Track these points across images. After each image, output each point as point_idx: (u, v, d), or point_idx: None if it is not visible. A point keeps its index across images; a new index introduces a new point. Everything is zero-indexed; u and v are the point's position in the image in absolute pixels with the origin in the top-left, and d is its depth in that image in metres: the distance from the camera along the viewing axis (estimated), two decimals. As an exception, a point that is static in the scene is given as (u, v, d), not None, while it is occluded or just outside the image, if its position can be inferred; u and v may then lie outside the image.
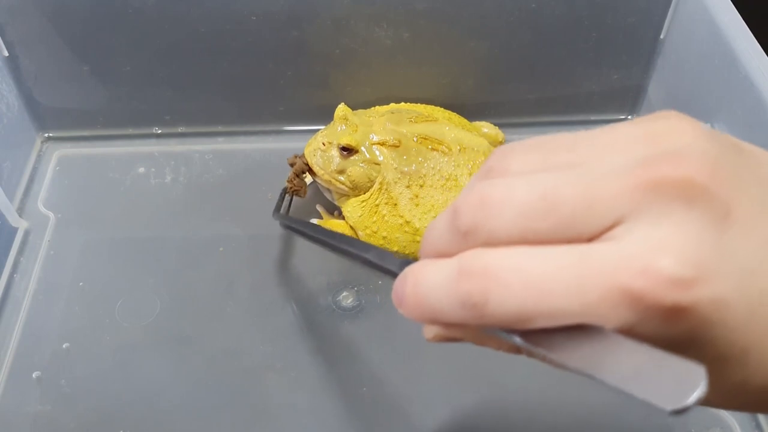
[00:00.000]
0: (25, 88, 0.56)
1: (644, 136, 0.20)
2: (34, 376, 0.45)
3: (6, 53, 0.53)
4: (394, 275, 0.25)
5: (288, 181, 0.50)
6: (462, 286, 0.20)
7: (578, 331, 0.19)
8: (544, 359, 0.23)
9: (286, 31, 0.53)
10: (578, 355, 0.18)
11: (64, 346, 0.47)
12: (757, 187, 0.19)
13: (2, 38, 0.53)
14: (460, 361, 0.46)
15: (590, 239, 0.19)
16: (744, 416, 0.44)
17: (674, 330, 0.18)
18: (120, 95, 0.57)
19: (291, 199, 0.51)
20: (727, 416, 0.44)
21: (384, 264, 0.28)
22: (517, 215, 0.19)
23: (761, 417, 0.44)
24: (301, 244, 0.52)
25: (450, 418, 0.44)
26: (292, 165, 0.51)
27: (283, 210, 0.50)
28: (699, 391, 0.16)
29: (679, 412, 0.16)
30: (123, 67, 0.55)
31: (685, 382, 0.17)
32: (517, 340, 0.20)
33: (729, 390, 0.20)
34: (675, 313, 0.18)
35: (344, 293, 0.49)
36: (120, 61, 0.55)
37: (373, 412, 0.44)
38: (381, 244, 0.49)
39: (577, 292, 0.18)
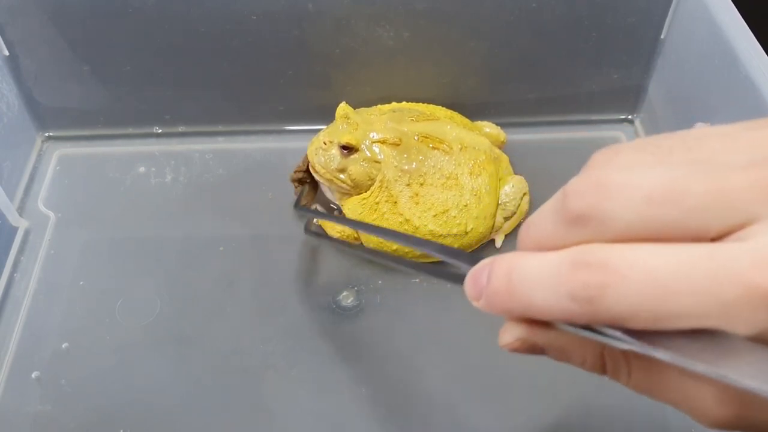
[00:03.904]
0: (26, 87, 0.56)
1: (764, 138, 0.19)
2: (33, 376, 0.45)
3: (6, 53, 0.53)
4: (450, 276, 0.24)
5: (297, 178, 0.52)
6: (577, 277, 0.18)
7: (697, 333, 0.17)
8: (641, 381, 0.21)
9: (286, 31, 0.53)
10: (700, 357, 0.17)
11: (64, 346, 0.46)
12: None
13: (3, 38, 0.53)
14: (460, 361, 0.46)
15: (716, 238, 0.18)
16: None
17: None
18: (120, 95, 0.57)
19: (306, 190, 0.51)
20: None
21: (450, 258, 0.26)
22: (641, 201, 0.18)
23: None
24: (301, 244, 0.52)
25: (450, 418, 0.44)
26: (297, 180, 0.52)
27: (309, 222, 0.50)
28: None
29: None
30: (123, 67, 0.55)
31: None
32: (627, 340, 0.18)
33: None
34: None
35: (344, 293, 0.49)
36: (120, 61, 0.55)
37: (372, 412, 0.44)
38: (380, 242, 0.49)
39: (711, 291, 0.17)
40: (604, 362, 0.22)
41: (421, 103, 0.56)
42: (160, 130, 0.59)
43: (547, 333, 0.21)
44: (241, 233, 0.53)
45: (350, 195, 0.50)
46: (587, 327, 0.19)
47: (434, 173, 0.48)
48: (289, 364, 0.46)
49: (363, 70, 0.56)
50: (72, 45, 0.53)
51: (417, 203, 0.48)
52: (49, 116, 0.58)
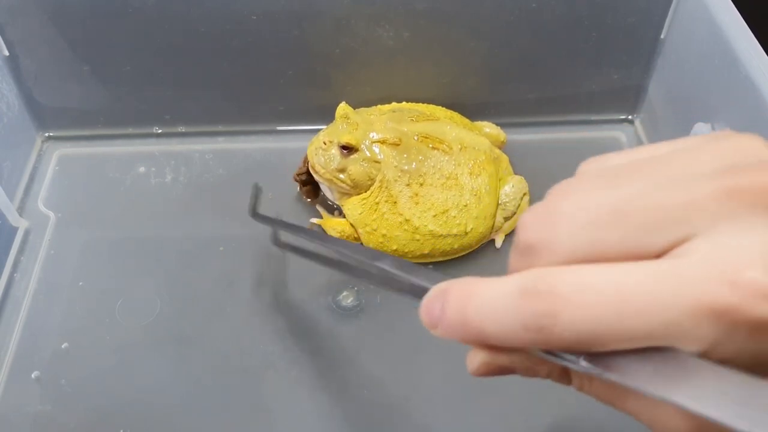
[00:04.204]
0: (26, 87, 0.56)
1: (713, 151, 0.19)
2: (33, 376, 0.45)
3: (6, 53, 0.53)
4: (408, 291, 0.24)
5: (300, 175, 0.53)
6: (527, 306, 0.18)
7: (650, 353, 0.18)
8: (602, 393, 0.21)
9: (286, 31, 0.53)
10: (654, 379, 0.17)
11: (64, 346, 0.46)
12: None
13: (3, 38, 0.53)
14: (460, 361, 0.46)
15: (661, 254, 0.18)
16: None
17: (761, 347, 0.17)
18: (120, 95, 0.57)
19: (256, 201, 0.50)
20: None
21: (404, 273, 0.26)
22: (587, 224, 0.19)
23: None
24: (302, 245, 0.52)
25: (450, 418, 0.44)
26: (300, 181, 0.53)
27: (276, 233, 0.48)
28: None
29: None
30: (123, 67, 0.55)
31: None
32: (584, 364, 0.18)
33: None
34: (764, 327, 0.16)
35: (344, 293, 0.49)
36: (120, 61, 0.55)
37: (372, 413, 0.44)
38: (380, 242, 0.49)
39: (658, 310, 0.17)
40: (569, 375, 0.22)
41: (421, 103, 0.56)
42: (160, 130, 0.59)
43: (510, 355, 0.21)
44: (241, 233, 0.53)
45: (350, 195, 0.50)
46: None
47: (434, 173, 0.48)
48: (289, 364, 0.46)
49: (363, 70, 0.56)
50: (72, 45, 0.53)
51: (417, 203, 0.48)
52: (49, 116, 0.58)
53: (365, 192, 0.49)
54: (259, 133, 0.59)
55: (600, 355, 0.18)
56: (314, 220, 0.53)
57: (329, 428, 0.43)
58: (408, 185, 0.48)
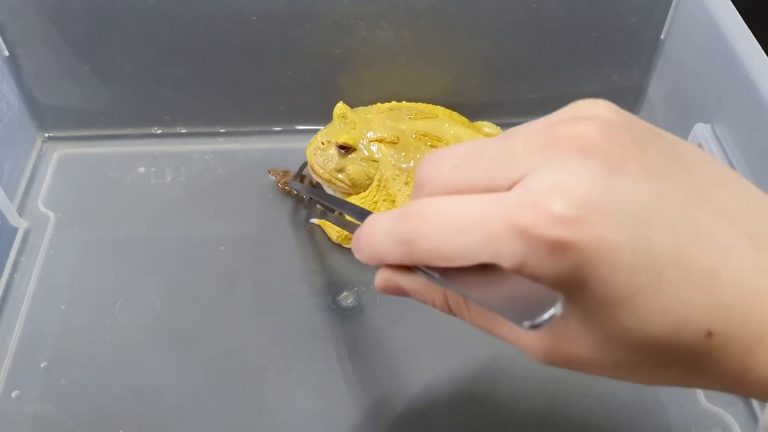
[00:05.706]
0: (26, 87, 0.56)
1: (557, 113, 0.23)
2: (33, 376, 0.45)
3: (6, 53, 0.53)
4: None
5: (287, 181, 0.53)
6: (400, 225, 0.23)
7: (484, 270, 0.22)
8: (479, 320, 0.26)
9: (286, 31, 0.53)
10: (478, 288, 0.22)
11: (63, 345, 0.46)
12: (657, 157, 0.22)
13: (3, 38, 0.53)
14: (460, 361, 0.46)
15: (510, 189, 0.22)
16: (744, 416, 0.44)
17: (560, 265, 0.20)
18: (120, 95, 0.57)
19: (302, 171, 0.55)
20: (727, 416, 0.44)
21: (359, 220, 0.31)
22: (455, 165, 0.23)
23: (761, 417, 0.43)
24: (302, 244, 0.52)
25: (450, 418, 0.44)
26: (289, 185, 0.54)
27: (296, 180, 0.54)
28: (554, 310, 0.19)
29: (535, 326, 0.19)
30: (123, 67, 0.55)
31: (546, 305, 0.19)
32: (437, 277, 0.23)
33: (621, 339, 0.21)
34: (559, 247, 0.20)
35: (344, 293, 0.49)
36: (120, 60, 0.55)
37: (373, 412, 0.44)
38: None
39: (481, 228, 0.21)
40: (449, 305, 0.26)
41: (419, 103, 0.56)
42: (159, 131, 0.59)
43: (403, 277, 0.26)
44: (241, 233, 0.53)
45: (349, 194, 0.50)
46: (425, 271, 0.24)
47: (434, 173, 0.48)
48: (289, 364, 0.46)
49: (363, 70, 0.56)
50: (72, 45, 0.54)
51: (417, 203, 0.48)
52: (49, 116, 0.58)
53: (364, 191, 0.49)
54: (259, 133, 0.59)
55: (450, 272, 0.22)
56: (314, 220, 0.53)
57: (329, 428, 0.43)
58: (406, 183, 0.48)
